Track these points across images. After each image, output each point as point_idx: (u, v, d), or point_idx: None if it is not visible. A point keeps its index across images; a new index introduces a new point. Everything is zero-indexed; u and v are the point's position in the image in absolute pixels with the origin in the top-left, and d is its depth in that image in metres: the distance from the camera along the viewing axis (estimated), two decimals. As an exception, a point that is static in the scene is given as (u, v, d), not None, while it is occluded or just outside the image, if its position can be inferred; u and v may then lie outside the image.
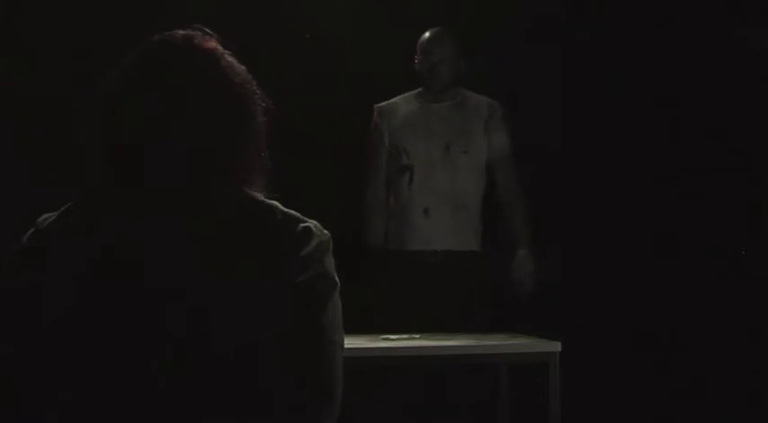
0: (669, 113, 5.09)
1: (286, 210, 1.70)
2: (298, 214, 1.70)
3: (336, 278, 1.69)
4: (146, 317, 1.61)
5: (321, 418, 1.64)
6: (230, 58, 1.74)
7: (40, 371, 1.64)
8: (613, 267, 5.03)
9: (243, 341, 1.60)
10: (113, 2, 4.79)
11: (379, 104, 4.55)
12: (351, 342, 3.73)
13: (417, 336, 3.88)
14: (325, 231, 1.70)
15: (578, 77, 5.06)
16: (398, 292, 4.36)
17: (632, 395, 4.89)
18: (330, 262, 1.69)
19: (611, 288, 4.99)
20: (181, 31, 1.75)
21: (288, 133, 4.88)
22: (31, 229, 1.73)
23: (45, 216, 1.74)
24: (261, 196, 1.71)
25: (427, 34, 4.51)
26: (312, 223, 1.70)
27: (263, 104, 1.75)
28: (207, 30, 1.76)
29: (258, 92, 1.74)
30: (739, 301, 4.91)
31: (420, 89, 4.52)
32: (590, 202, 5.06)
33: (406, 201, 4.38)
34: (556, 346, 3.62)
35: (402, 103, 4.52)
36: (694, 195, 5.06)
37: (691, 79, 5.03)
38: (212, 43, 1.75)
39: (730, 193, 5.02)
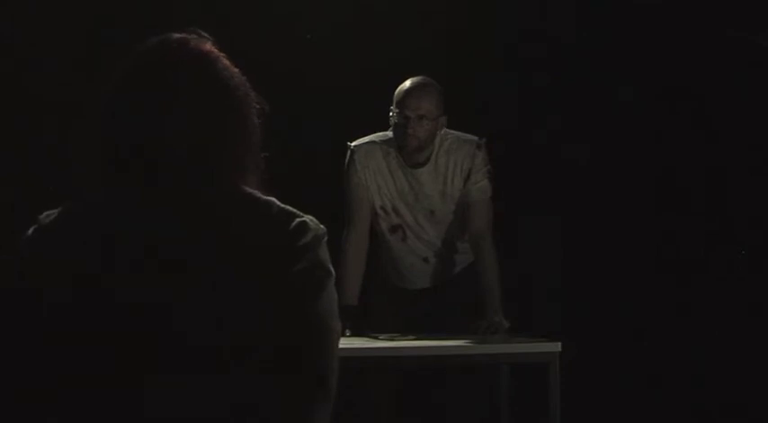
0: (670, 114, 5.10)
1: (282, 205, 1.73)
2: (294, 209, 1.73)
3: (332, 269, 1.73)
4: (146, 315, 1.63)
5: (315, 406, 1.66)
6: (225, 60, 1.77)
7: (40, 371, 1.65)
8: (614, 267, 5.03)
9: (242, 333, 1.63)
10: (113, 3, 4.79)
11: (357, 151, 4.18)
12: (351, 342, 3.74)
13: (412, 337, 3.88)
14: (321, 226, 1.74)
15: (579, 78, 5.06)
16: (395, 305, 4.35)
17: (632, 395, 4.89)
18: (325, 253, 1.72)
19: (612, 288, 4.99)
20: (176, 34, 1.77)
21: (287, 132, 4.87)
22: (32, 227, 1.74)
23: (46, 213, 1.75)
24: (258, 193, 1.74)
25: (407, 84, 4.08)
26: (308, 218, 1.73)
27: (258, 106, 1.77)
28: (202, 33, 1.77)
29: (252, 93, 1.77)
30: (740, 302, 4.91)
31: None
32: (591, 202, 5.07)
33: (403, 252, 4.30)
34: (556, 347, 3.62)
35: (381, 157, 4.17)
36: (695, 196, 5.06)
37: (690, 80, 5.03)
38: (207, 45, 1.77)
39: (731, 193, 5.02)
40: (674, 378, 4.91)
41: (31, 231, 1.73)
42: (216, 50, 1.76)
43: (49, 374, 1.64)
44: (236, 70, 1.77)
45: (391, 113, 4.10)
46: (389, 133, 4.16)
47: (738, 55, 4.95)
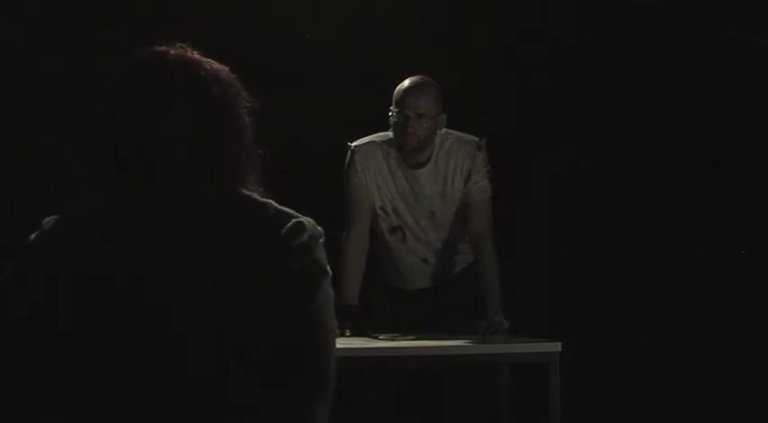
0: (670, 114, 5.10)
1: (280, 207, 1.74)
2: (291, 211, 1.74)
3: (328, 269, 1.74)
4: (146, 315, 1.63)
5: (315, 405, 1.67)
6: (212, 63, 1.78)
7: (40, 371, 1.65)
8: (614, 267, 5.03)
9: (242, 333, 1.63)
10: (113, 3, 4.79)
11: (358, 151, 4.18)
12: (351, 342, 3.74)
13: (412, 337, 3.88)
14: (318, 227, 1.75)
15: (579, 78, 5.06)
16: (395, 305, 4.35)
17: (632, 395, 4.89)
18: (322, 254, 1.73)
19: (612, 288, 4.99)
20: (162, 47, 1.78)
21: (287, 132, 4.86)
22: (35, 233, 1.74)
23: (49, 218, 1.75)
24: (255, 195, 1.75)
25: (406, 83, 4.08)
26: (305, 219, 1.74)
27: (249, 104, 1.78)
28: (182, 45, 1.78)
29: (243, 92, 1.77)
30: (740, 302, 4.91)
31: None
32: (591, 202, 5.07)
33: (403, 252, 4.30)
34: (556, 347, 3.62)
35: (381, 157, 4.17)
36: (695, 196, 5.06)
37: (690, 80, 5.04)
38: (192, 53, 1.78)
39: (731, 193, 5.02)
40: (674, 378, 4.91)
41: (33, 236, 1.73)
42: (200, 56, 1.77)
43: (49, 374, 1.64)
44: (226, 69, 1.78)
45: (391, 113, 4.10)
46: (390, 133, 4.16)
47: (738, 55, 4.95)
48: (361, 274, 4.19)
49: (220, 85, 1.75)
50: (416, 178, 4.17)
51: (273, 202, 1.74)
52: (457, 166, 4.16)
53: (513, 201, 4.81)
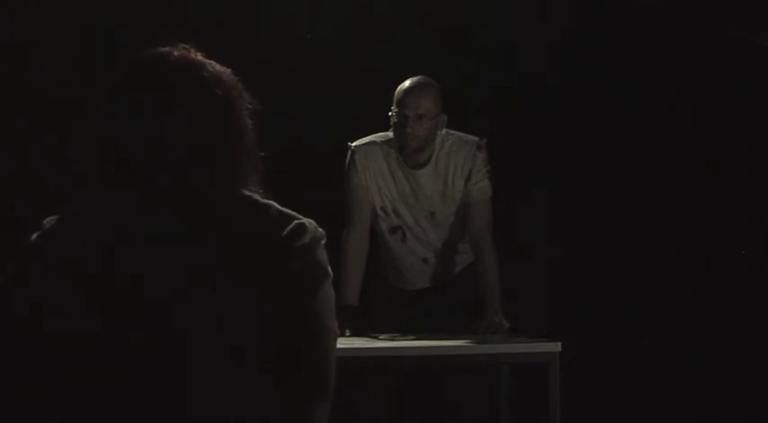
0: (670, 114, 5.10)
1: (281, 208, 1.74)
2: (292, 212, 1.75)
3: (329, 270, 1.74)
4: (146, 315, 1.63)
5: (315, 405, 1.67)
6: (214, 65, 1.78)
7: (40, 371, 1.65)
8: (613, 267, 5.03)
9: (242, 333, 1.63)
10: (113, 3, 4.79)
11: (358, 151, 4.18)
12: (351, 342, 3.74)
13: (412, 337, 3.88)
14: (320, 228, 1.75)
15: (579, 78, 5.06)
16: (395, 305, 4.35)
17: (632, 395, 4.89)
18: (323, 255, 1.74)
19: (611, 288, 4.99)
20: (165, 47, 1.78)
21: (287, 132, 4.87)
22: (36, 233, 1.74)
23: (49, 218, 1.75)
24: (256, 196, 1.75)
25: (406, 84, 4.08)
26: (306, 220, 1.74)
27: (251, 106, 1.78)
28: (185, 46, 1.79)
29: (245, 94, 1.78)
30: (740, 302, 4.91)
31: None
32: (591, 202, 5.07)
33: (403, 252, 4.30)
34: (556, 347, 3.62)
35: (382, 158, 4.17)
36: (695, 196, 5.06)
37: (690, 80, 5.04)
38: (195, 55, 1.78)
39: (731, 193, 5.02)
40: (674, 378, 4.91)
41: (33, 236, 1.74)
42: (203, 58, 1.77)
43: (49, 374, 1.64)
44: (228, 71, 1.78)
45: (391, 113, 4.11)
46: (390, 134, 4.17)
47: (738, 55, 4.95)
48: (361, 274, 4.19)
49: (222, 86, 1.75)
50: (417, 178, 4.17)
51: (275, 204, 1.74)
52: (457, 167, 4.16)
53: (513, 201, 4.81)
